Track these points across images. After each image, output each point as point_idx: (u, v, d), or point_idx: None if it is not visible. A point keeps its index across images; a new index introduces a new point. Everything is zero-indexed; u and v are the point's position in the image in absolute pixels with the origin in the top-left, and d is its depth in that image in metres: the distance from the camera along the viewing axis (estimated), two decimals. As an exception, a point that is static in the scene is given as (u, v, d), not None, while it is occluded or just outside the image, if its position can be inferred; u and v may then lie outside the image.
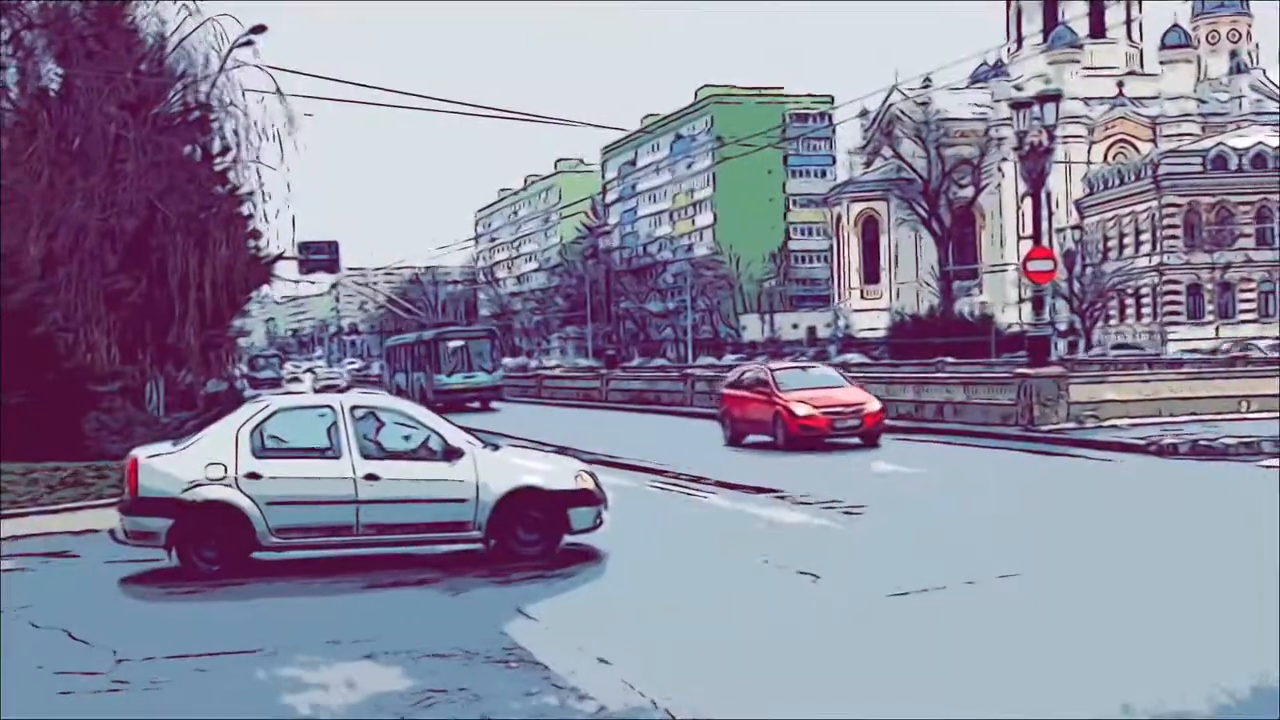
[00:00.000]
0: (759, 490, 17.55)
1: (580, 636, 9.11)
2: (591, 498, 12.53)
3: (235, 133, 30.32)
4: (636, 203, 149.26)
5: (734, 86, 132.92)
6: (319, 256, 48.15)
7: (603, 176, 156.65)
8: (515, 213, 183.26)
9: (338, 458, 11.94)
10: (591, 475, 12.84)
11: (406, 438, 12.28)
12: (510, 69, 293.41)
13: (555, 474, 12.75)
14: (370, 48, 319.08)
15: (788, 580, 11.05)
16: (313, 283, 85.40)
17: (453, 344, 49.78)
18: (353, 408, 12.38)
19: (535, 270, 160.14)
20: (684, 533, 14.49)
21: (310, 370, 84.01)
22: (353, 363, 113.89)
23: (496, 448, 13.10)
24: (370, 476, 11.89)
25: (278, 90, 28.84)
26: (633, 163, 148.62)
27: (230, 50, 29.54)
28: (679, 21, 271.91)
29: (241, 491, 11.73)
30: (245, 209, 32.72)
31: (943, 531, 13.76)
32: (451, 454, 12.17)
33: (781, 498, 16.81)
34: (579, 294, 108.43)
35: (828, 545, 13.21)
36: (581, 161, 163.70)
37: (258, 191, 31.72)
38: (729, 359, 79.25)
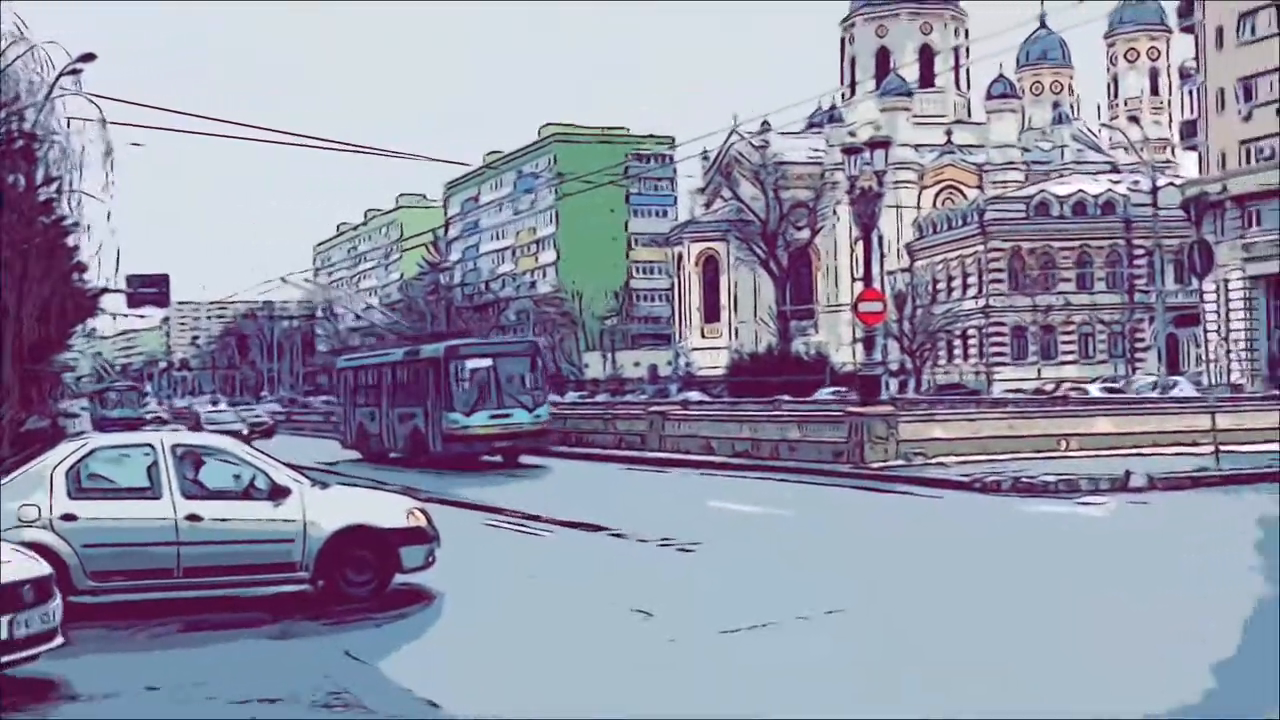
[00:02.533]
0: (594, 528, 17.60)
1: (409, 678, 9.02)
2: (423, 535, 12.41)
3: (59, 162, 29.41)
4: (479, 239, 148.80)
5: (577, 125, 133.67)
6: (148, 290, 46.48)
7: (445, 212, 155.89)
8: (355, 248, 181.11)
9: (158, 498, 11.62)
10: (424, 513, 12.71)
11: (236, 476, 12.03)
12: (355, 104, 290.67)
13: (386, 511, 12.60)
14: (213, 81, 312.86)
15: (622, 619, 11.09)
16: (142, 316, 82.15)
17: (473, 364, 32.34)
18: (174, 446, 12.08)
19: (372, 306, 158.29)
20: (517, 570, 14.44)
21: (216, 408, 67.80)
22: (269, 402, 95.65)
23: (325, 486, 12.90)
24: (192, 517, 11.59)
25: (102, 119, 28.06)
26: (476, 199, 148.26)
27: (57, 78, 28.68)
28: (523, 60, 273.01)
29: (56, 534, 11.34)
30: (70, 240, 31.72)
31: (776, 567, 13.97)
32: (278, 493, 11.94)
33: (619, 535, 16.89)
34: (420, 330, 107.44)
35: (661, 583, 13.31)
36: (424, 197, 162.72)
37: (83, 223, 30.80)
38: (571, 397, 79.29)
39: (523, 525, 18.57)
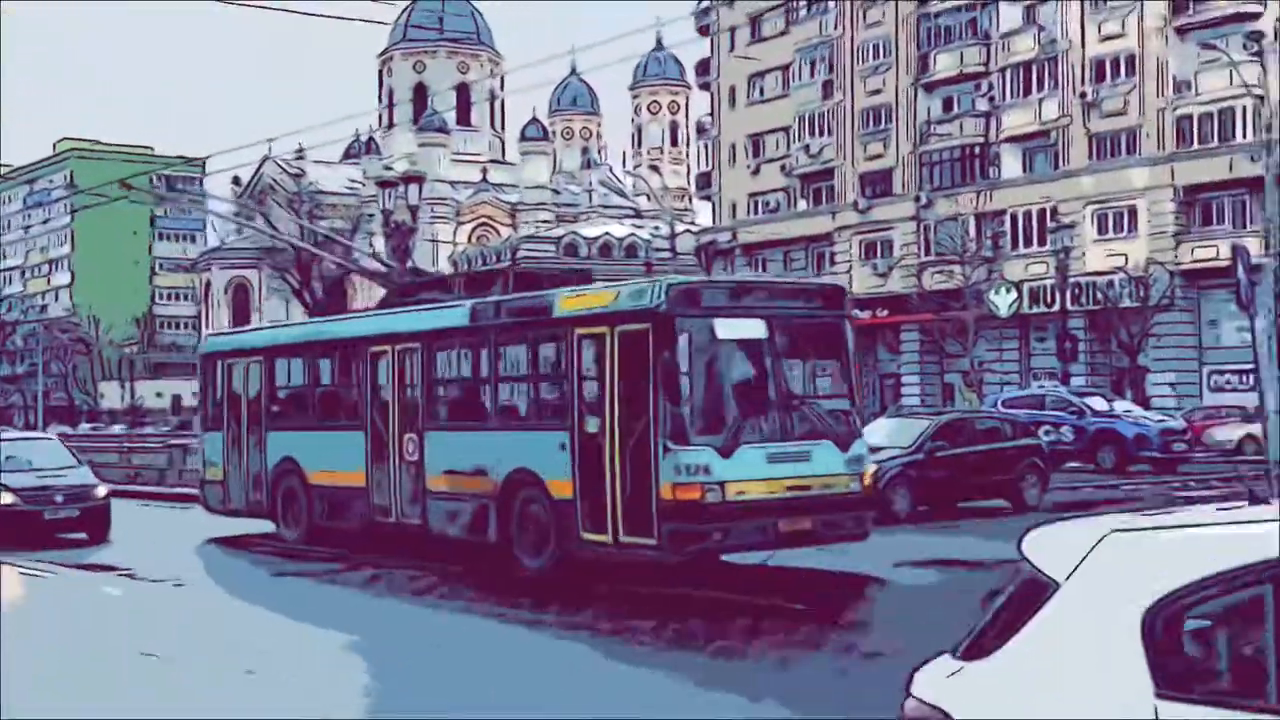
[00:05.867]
0: (104, 568, 16.90)
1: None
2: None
3: None
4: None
5: (98, 141, 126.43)
6: None
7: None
8: None
9: None
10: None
11: None
12: None
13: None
14: None
15: (130, 661, 10.70)
16: None
17: (733, 331, 13.51)
18: None
19: None
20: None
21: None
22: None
23: None
24: None
25: None
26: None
27: None
28: (34, 68, 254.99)
29: None
30: None
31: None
32: None
33: (133, 575, 16.30)
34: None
35: (160, 623, 12.85)
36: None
37: None
38: (84, 428, 74.61)
39: (21, 566, 17.33)
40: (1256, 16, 46.56)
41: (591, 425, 13.49)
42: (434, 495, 15.76)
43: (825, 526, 13.63)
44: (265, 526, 19.22)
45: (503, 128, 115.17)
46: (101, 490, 20.31)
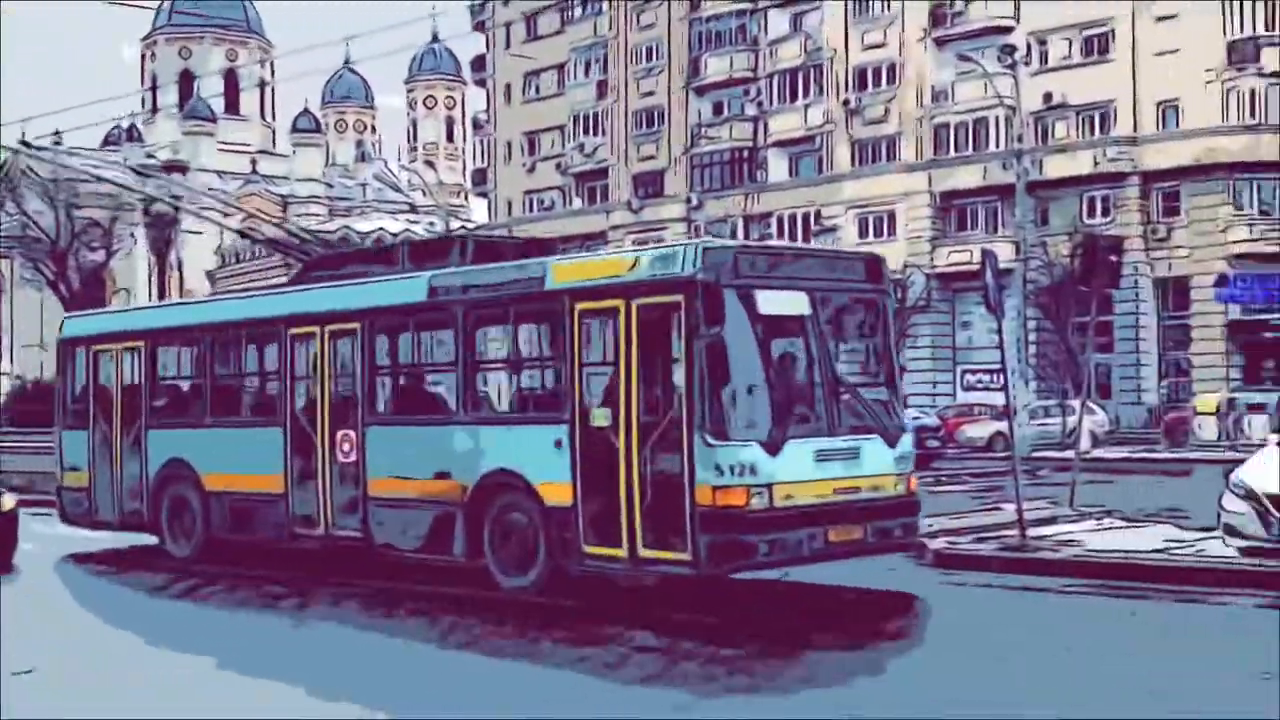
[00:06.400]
0: None
1: None
2: None
3: None
4: None
5: None
6: None
7: None
8: None
9: None
10: None
11: None
12: None
13: None
14: None
15: None
16: None
17: (777, 305, 11.35)
18: None
19: None
20: None
21: None
22: None
23: None
24: None
25: None
26: None
27: None
28: None
29: None
30: None
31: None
32: None
33: None
34: None
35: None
36: None
37: None
38: None
39: None
40: (1009, 30, 48.95)
41: (599, 417, 11.37)
42: (378, 503, 13.35)
43: (876, 535, 11.58)
44: (144, 540, 16.34)
45: (274, 118, 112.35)
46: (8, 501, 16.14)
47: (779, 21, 55.30)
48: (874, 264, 12.53)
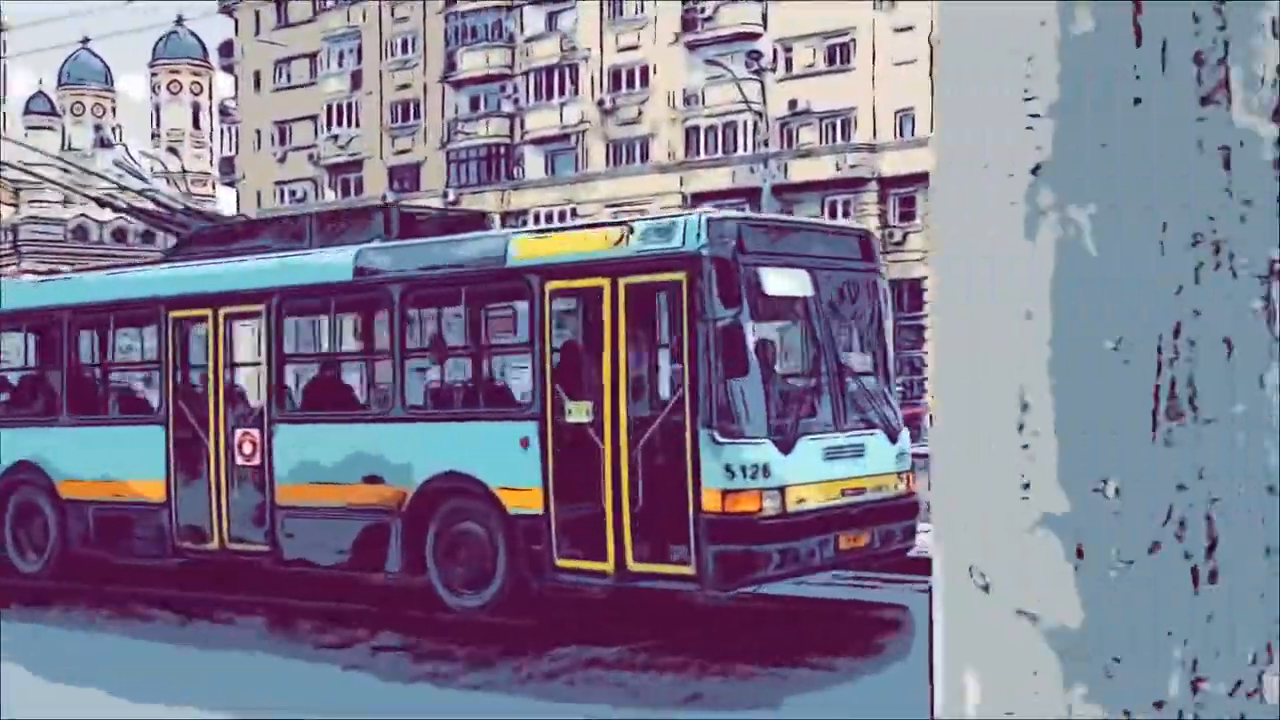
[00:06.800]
0: None
1: None
2: None
3: None
4: None
5: None
6: None
7: None
8: None
9: None
10: None
11: None
12: None
13: None
14: None
15: None
16: None
17: (782, 283, 10.33)
18: None
19: None
20: None
21: None
22: None
23: None
24: None
25: None
26: None
27: None
28: None
29: None
30: None
31: None
32: None
33: None
34: None
35: None
36: None
37: None
38: None
39: None
40: (757, 37, 50.44)
41: (577, 412, 9.98)
42: (289, 512, 11.75)
43: (881, 540, 10.53)
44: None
45: (3, 100, 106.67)
46: None
47: (535, 19, 55.60)
48: (868, 240, 11.73)
